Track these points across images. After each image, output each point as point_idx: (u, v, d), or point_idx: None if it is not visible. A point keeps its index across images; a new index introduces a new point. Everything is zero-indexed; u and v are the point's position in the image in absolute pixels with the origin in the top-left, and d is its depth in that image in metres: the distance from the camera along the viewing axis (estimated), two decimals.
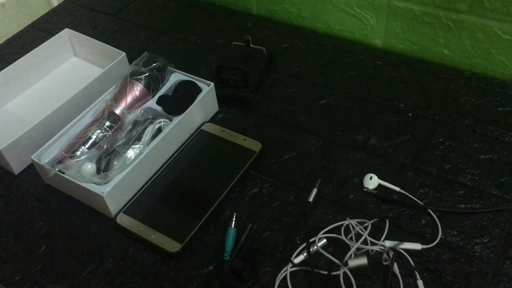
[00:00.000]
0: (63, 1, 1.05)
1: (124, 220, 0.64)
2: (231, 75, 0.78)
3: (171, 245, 0.61)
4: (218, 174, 0.68)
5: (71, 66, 0.89)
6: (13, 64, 0.81)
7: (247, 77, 0.77)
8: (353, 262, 0.56)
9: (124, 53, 0.81)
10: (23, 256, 0.63)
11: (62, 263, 0.62)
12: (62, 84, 0.85)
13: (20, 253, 0.63)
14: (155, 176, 0.69)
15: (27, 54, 0.82)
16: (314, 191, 0.66)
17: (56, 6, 1.05)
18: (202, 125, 0.75)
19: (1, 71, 0.80)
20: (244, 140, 0.71)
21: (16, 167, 0.72)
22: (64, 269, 0.61)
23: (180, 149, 0.72)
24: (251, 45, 0.84)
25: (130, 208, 0.65)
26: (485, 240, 0.60)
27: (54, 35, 0.86)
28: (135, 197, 0.66)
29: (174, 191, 0.67)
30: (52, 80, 0.86)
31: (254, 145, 0.70)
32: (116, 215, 0.65)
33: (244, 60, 0.82)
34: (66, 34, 0.87)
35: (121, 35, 0.95)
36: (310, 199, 0.65)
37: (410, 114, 0.75)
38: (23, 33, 0.98)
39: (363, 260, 0.55)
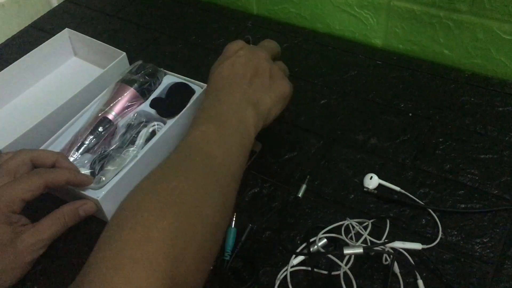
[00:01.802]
0: (63, 1, 1.05)
1: None
2: None
3: None
4: None
5: (71, 66, 0.89)
6: (13, 64, 0.81)
7: None
8: (349, 250, 0.55)
9: (124, 53, 0.81)
10: None
11: (63, 263, 0.62)
12: (62, 84, 0.85)
13: None
14: None
15: (27, 54, 0.82)
16: (303, 187, 0.66)
17: (56, 6, 1.05)
18: None
19: (1, 71, 0.80)
20: None
21: None
22: (64, 269, 0.61)
23: None
24: (251, 45, 0.84)
25: None
26: (485, 240, 0.60)
27: (54, 35, 0.86)
28: None
29: None
30: (52, 80, 0.86)
31: (255, 145, 0.70)
32: None
33: None
34: (66, 34, 0.87)
35: (121, 35, 0.95)
36: (300, 195, 0.66)
37: (410, 114, 0.75)
38: (23, 33, 0.98)
39: (358, 249, 0.55)
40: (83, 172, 0.65)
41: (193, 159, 0.51)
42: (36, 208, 0.68)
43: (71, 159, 0.67)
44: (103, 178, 0.64)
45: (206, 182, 0.48)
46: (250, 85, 0.60)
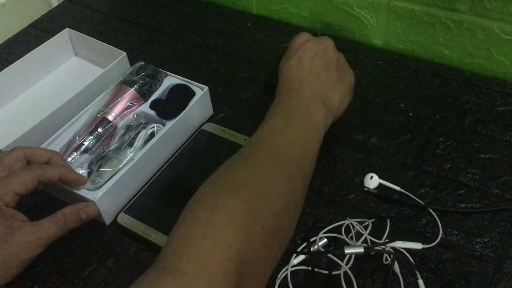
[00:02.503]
0: (63, 1, 1.05)
1: (125, 220, 0.64)
2: None
3: None
4: None
5: (71, 66, 0.89)
6: (13, 64, 0.81)
7: None
8: (349, 250, 0.55)
9: (125, 53, 0.81)
10: None
11: (62, 263, 0.62)
12: (62, 84, 0.85)
13: None
14: (156, 175, 0.69)
15: (27, 54, 0.82)
16: None
17: (56, 6, 1.05)
18: (202, 124, 0.75)
19: (1, 71, 0.80)
20: (245, 140, 0.71)
21: None
22: (64, 269, 0.61)
23: (181, 148, 0.72)
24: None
25: (131, 208, 0.65)
26: (485, 240, 0.60)
27: (54, 35, 0.86)
28: (136, 197, 0.66)
29: (175, 191, 0.67)
30: (52, 80, 0.86)
31: None
32: (117, 214, 0.65)
33: None
34: (66, 34, 0.87)
35: (121, 35, 0.95)
36: None
37: (410, 114, 0.75)
38: (23, 33, 0.98)
39: (359, 249, 0.55)
40: (80, 172, 0.65)
41: (261, 148, 0.53)
42: (40, 210, 0.68)
43: (69, 159, 0.67)
44: (100, 180, 0.63)
45: (273, 169, 0.51)
46: (318, 80, 0.61)
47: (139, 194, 0.67)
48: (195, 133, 0.74)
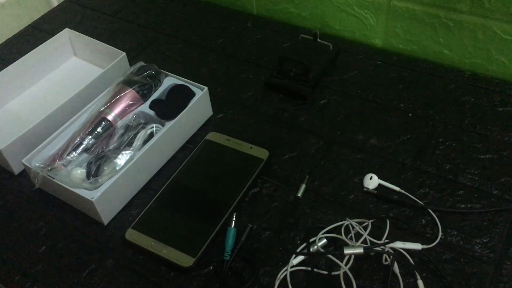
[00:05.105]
0: (63, 1, 1.05)
1: (134, 236, 0.62)
2: (293, 67, 0.78)
3: (184, 260, 0.59)
4: (226, 184, 0.66)
5: (71, 66, 0.89)
6: (13, 64, 0.81)
7: (308, 71, 0.77)
8: (349, 250, 0.55)
9: (124, 53, 0.81)
10: (23, 256, 0.63)
11: (62, 263, 0.62)
12: (62, 84, 0.85)
13: (20, 253, 0.63)
14: (163, 189, 0.67)
15: (27, 54, 0.82)
16: (303, 186, 0.66)
17: (56, 6, 1.05)
18: (206, 134, 0.73)
19: (1, 71, 0.80)
20: (251, 148, 0.70)
21: (16, 167, 0.72)
22: (64, 269, 0.61)
23: (186, 160, 0.70)
24: (318, 40, 0.83)
25: (139, 223, 0.63)
26: (485, 240, 0.60)
27: (54, 35, 0.86)
28: (143, 212, 0.65)
29: (184, 204, 0.65)
30: (52, 80, 0.86)
31: (261, 153, 0.69)
32: (125, 231, 0.63)
33: (309, 54, 0.81)
34: (66, 34, 0.87)
35: (121, 35, 0.95)
36: (299, 194, 0.65)
37: (410, 114, 0.75)
38: (23, 33, 0.98)
39: (358, 249, 0.55)
40: (78, 172, 0.65)
41: None
42: (39, 210, 0.69)
43: (69, 158, 0.67)
44: (99, 179, 0.63)
45: None
46: None
47: (146, 208, 0.65)
48: (200, 143, 0.72)
